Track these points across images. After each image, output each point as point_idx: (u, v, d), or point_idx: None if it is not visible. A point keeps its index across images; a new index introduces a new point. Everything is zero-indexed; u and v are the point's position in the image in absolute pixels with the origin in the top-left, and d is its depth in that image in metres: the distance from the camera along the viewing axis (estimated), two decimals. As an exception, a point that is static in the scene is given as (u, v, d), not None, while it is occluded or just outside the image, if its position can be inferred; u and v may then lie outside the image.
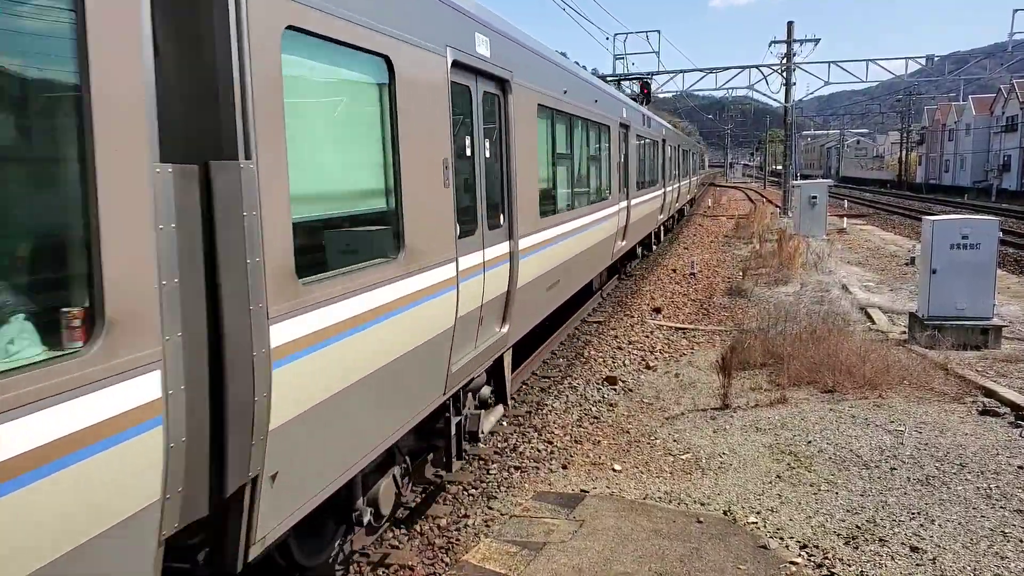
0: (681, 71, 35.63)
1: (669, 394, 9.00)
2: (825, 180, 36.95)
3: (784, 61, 34.53)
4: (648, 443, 7.36)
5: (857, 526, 5.42)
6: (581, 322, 13.36)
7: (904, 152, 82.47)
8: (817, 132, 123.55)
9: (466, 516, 6.02)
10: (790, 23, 34.81)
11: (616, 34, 36.12)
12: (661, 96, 41.30)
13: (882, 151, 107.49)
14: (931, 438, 6.95)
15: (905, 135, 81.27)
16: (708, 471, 6.57)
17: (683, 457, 6.93)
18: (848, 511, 5.66)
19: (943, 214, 17.75)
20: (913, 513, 5.57)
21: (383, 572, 5.26)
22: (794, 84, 34.36)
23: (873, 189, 75.17)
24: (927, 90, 72.09)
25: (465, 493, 6.51)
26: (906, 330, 11.12)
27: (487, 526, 5.81)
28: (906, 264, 18.82)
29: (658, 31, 34.75)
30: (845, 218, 31.24)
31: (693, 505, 5.91)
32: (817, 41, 35.36)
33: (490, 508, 6.14)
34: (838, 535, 5.32)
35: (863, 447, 6.83)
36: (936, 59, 40.00)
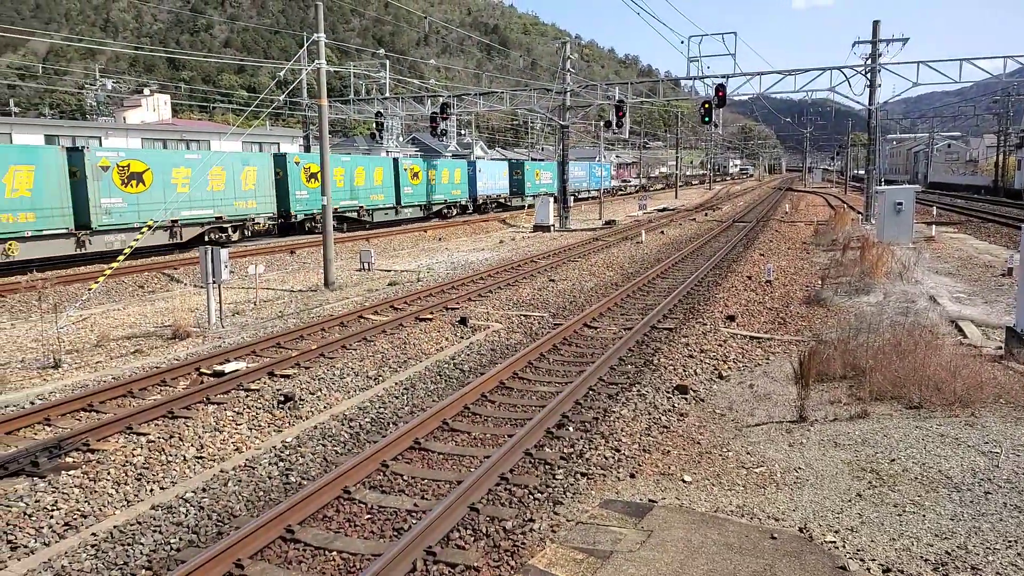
0: (758, 73, 34.56)
1: (743, 405, 8.73)
2: (912, 185, 35.14)
3: (868, 62, 33.06)
4: (720, 455, 7.16)
5: (947, 552, 5.10)
6: (651, 328, 13.15)
7: (1001, 156, 77.43)
8: (903, 135, 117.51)
9: (532, 520, 6.01)
10: (876, 22, 33.35)
11: (691, 36, 35.29)
12: (737, 98, 40.11)
13: (976, 155, 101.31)
14: (1030, 461, 6.49)
15: (1002, 138, 76.28)
16: (783, 486, 6.34)
17: (757, 470, 6.70)
18: (936, 535, 5.34)
19: (1045, 222, 16.62)
20: (1009, 541, 5.20)
21: (448, 571, 5.30)
22: (879, 86, 32.81)
23: (966, 195, 70.95)
24: (1027, 90, 67.30)
25: (531, 496, 6.50)
26: (1002, 345, 10.42)
27: (553, 531, 5.77)
28: (1002, 275, 17.67)
29: (734, 33, 33.86)
30: (934, 225, 29.60)
31: (767, 520, 5.70)
32: (905, 41, 33.71)
33: (556, 513, 6.11)
34: (925, 560, 5.02)
35: (953, 468, 6.43)
36: (1038, 57, 37.33)
